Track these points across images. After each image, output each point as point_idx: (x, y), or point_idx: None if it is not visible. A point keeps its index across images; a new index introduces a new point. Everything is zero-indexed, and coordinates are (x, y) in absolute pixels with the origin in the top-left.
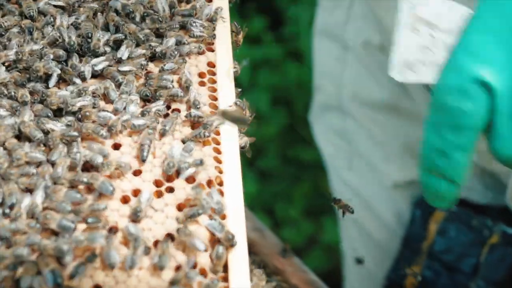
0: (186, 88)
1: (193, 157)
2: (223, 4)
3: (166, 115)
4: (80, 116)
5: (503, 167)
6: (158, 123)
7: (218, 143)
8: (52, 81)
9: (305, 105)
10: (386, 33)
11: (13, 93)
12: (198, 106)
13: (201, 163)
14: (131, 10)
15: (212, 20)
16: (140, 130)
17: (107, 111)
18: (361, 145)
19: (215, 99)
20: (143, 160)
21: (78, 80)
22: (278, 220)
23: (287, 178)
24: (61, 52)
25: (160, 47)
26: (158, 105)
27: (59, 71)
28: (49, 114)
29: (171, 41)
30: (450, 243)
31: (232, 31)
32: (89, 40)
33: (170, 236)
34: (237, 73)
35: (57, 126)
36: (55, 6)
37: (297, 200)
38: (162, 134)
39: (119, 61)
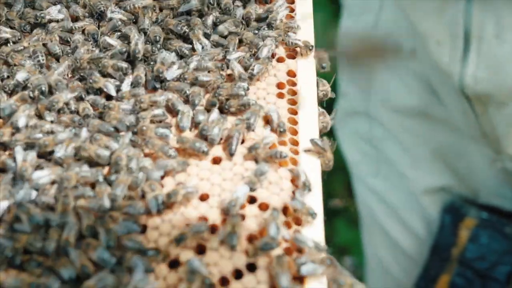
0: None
1: (268, 180)
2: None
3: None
4: (135, 130)
5: None
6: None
7: (295, 163)
8: (112, 92)
9: None
10: (420, 38)
11: (73, 108)
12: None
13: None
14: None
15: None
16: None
17: (166, 127)
18: (388, 151)
19: (295, 112)
20: (231, 155)
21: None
22: None
23: None
24: (124, 65)
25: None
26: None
27: (115, 93)
28: (110, 129)
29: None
30: (482, 251)
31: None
32: (158, 44)
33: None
34: (326, 95)
35: (117, 144)
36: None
37: None
38: (248, 127)
39: (197, 69)
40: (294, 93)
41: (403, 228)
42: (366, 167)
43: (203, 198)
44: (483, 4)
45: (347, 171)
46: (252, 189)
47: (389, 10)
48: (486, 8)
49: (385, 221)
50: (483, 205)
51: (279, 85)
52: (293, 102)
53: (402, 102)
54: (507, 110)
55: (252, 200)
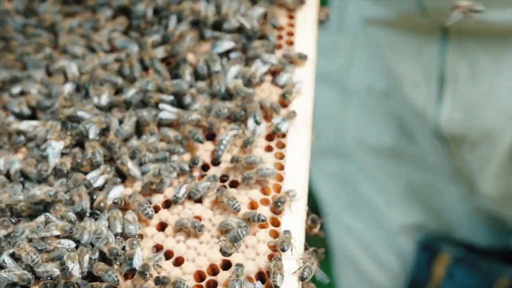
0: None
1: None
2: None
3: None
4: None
5: None
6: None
7: (277, 224)
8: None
9: None
10: (394, 79)
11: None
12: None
13: None
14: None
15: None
16: None
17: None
18: (362, 189)
19: (282, 168)
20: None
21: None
22: None
23: None
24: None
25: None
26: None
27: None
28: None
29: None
30: (458, 287)
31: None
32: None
33: None
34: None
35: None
36: None
37: None
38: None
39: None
40: (282, 145)
41: (378, 264)
42: (340, 205)
43: (179, 262)
44: (458, 47)
45: (317, 209)
46: (226, 254)
47: (362, 51)
48: (461, 51)
49: (360, 258)
50: (457, 242)
51: (269, 137)
52: (281, 156)
53: (375, 141)
54: (480, 150)
55: (226, 265)
